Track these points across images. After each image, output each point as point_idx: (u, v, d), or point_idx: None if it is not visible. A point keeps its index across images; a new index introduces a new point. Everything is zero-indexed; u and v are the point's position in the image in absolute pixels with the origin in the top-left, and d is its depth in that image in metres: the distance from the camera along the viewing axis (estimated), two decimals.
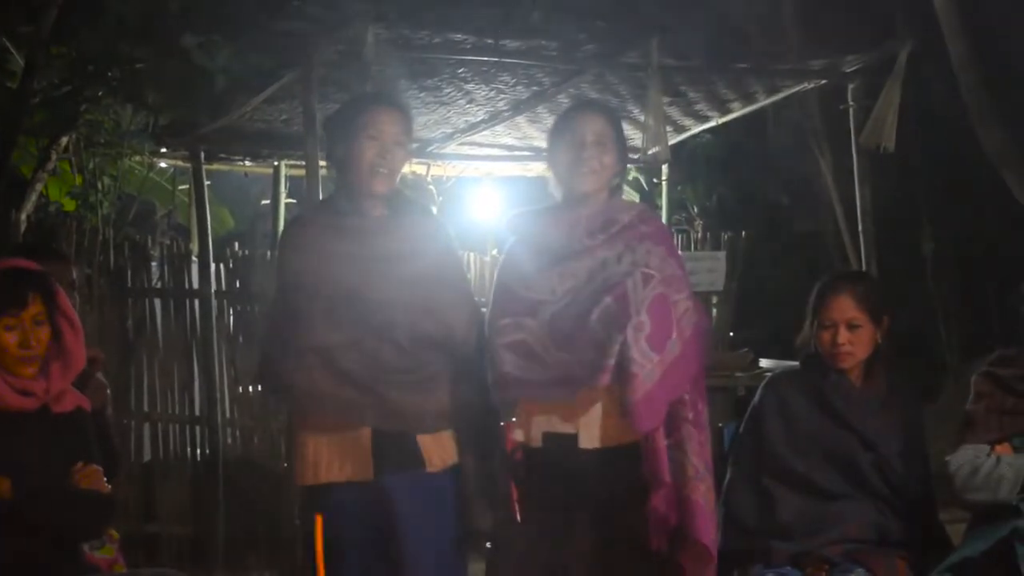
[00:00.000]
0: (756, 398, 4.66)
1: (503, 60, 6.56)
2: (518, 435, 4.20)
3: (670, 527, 4.09)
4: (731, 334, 9.26)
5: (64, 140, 7.92)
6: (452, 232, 4.45)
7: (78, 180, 8.38)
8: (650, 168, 9.86)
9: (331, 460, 4.12)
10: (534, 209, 4.45)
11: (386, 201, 4.27)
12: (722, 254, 8.68)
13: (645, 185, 10.71)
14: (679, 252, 4.42)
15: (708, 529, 4.09)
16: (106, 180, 8.46)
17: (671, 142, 7.97)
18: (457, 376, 4.18)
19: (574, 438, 4.13)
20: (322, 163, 6.28)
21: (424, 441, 4.14)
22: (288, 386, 4.16)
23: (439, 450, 4.17)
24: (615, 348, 3.99)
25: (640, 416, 3.99)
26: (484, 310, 4.32)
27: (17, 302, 3.97)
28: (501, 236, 4.63)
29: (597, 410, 4.11)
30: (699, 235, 9.67)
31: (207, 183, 8.66)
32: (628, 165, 4.50)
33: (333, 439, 4.12)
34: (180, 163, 9.28)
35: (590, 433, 4.12)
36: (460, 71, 6.91)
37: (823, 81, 7.37)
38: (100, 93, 7.70)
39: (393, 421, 4.08)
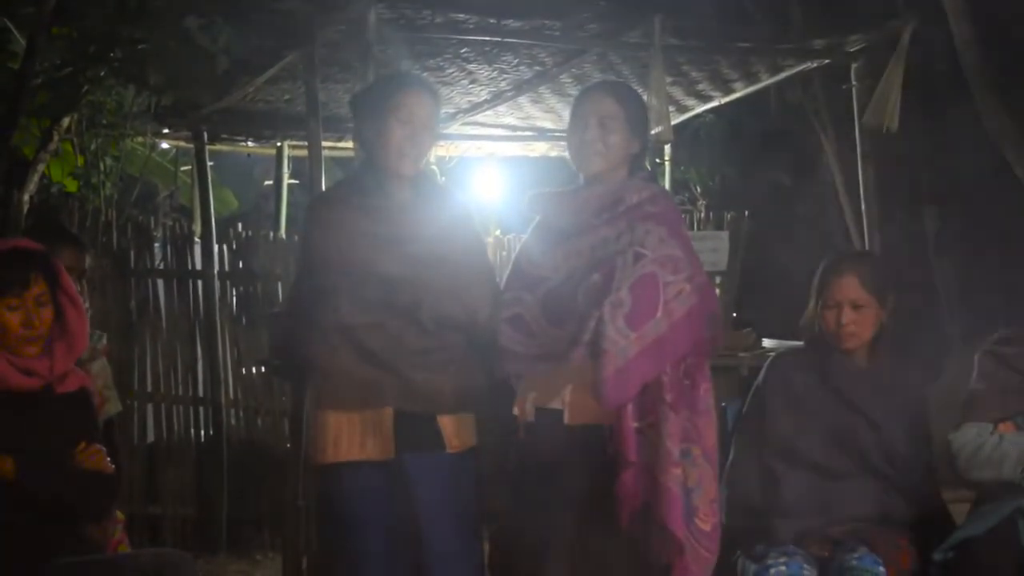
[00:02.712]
0: (760, 377, 4.67)
1: (505, 40, 6.55)
2: (516, 410, 4.20)
3: (639, 509, 4.04)
4: (734, 314, 9.25)
5: (66, 121, 7.92)
6: (475, 214, 4.47)
7: (80, 161, 8.38)
8: (652, 148, 9.84)
9: (351, 439, 4.13)
10: (553, 190, 4.47)
11: (411, 182, 4.27)
12: (725, 234, 8.64)
13: (648, 165, 10.69)
14: (686, 234, 4.36)
15: (677, 517, 3.99)
16: (108, 161, 8.47)
17: (674, 122, 7.96)
18: (478, 358, 4.20)
19: (561, 414, 4.12)
20: (326, 143, 6.30)
21: (445, 422, 4.16)
22: (311, 365, 4.16)
23: (459, 431, 4.19)
24: (592, 324, 4.00)
25: (608, 391, 3.97)
26: None
27: (20, 282, 3.97)
28: (510, 214, 4.64)
29: (581, 386, 4.08)
30: (702, 215, 9.66)
31: (210, 164, 8.66)
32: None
33: (354, 418, 4.13)
34: (182, 144, 9.28)
35: (573, 409, 4.12)
36: (462, 51, 6.90)
37: (826, 60, 7.33)
38: (102, 74, 7.69)
39: (415, 402, 4.10)
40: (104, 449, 4.10)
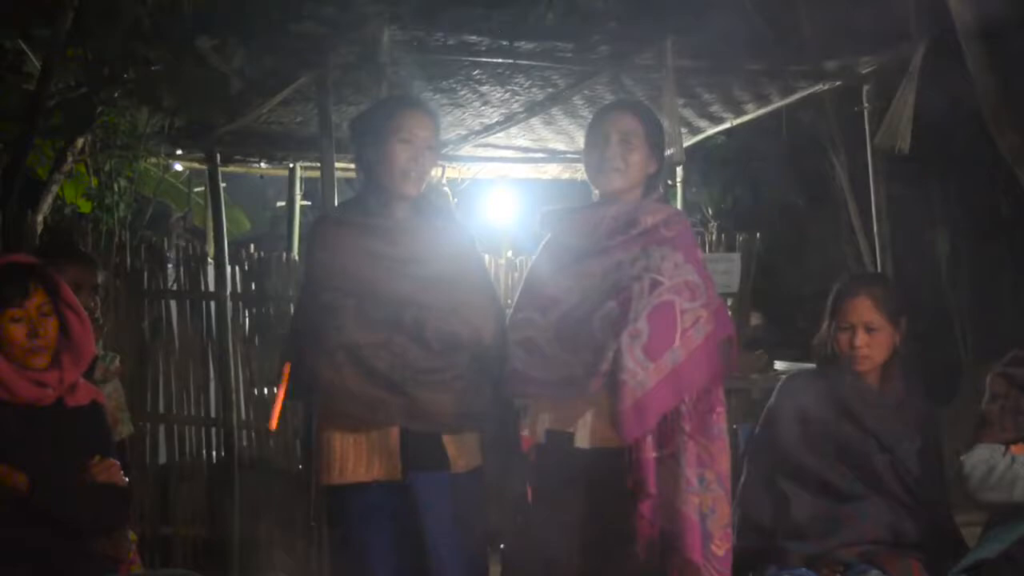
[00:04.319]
0: (772, 399, 4.66)
1: (518, 62, 6.57)
2: (527, 432, 4.20)
3: (656, 538, 4.02)
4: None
5: (80, 142, 7.94)
6: (476, 235, 4.48)
7: (94, 182, 8.40)
8: (664, 170, 9.85)
9: (358, 459, 4.13)
10: (567, 207, 4.45)
11: (414, 203, 4.29)
12: (737, 256, 8.66)
13: (661, 187, 10.70)
14: (701, 257, 4.34)
15: (696, 544, 3.99)
16: (122, 182, 8.48)
17: (686, 144, 7.97)
18: (483, 377, 4.19)
19: (571, 437, 4.12)
20: (339, 165, 6.31)
21: (449, 442, 4.15)
22: (316, 384, 4.17)
23: (464, 451, 4.18)
24: (610, 355, 3.96)
25: (627, 424, 3.94)
26: (509, 312, 4.33)
27: (20, 293, 4.00)
28: (520, 235, 4.64)
29: (593, 410, 4.07)
30: (714, 237, 9.65)
31: (223, 185, 8.67)
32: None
33: (360, 438, 4.13)
34: (196, 165, 9.30)
35: (584, 433, 4.10)
36: (475, 73, 6.92)
37: (838, 82, 7.36)
38: (116, 95, 7.73)
39: (421, 421, 4.09)
40: (118, 462, 4.11)
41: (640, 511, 4.00)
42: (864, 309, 4.48)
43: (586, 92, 7.40)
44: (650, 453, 4.00)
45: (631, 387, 3.94)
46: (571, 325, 4.10)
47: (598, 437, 4.08)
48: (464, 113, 8.01)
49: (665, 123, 6.39)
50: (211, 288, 8.08)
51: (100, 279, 5.54)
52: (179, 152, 8.86)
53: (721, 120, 8.52)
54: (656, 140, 4.30)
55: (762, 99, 7.89)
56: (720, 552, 4.06)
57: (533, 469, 4.24)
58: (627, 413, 3.94)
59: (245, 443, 8.04)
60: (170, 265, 8.12)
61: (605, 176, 4.23)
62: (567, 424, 4.13)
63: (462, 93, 7.43)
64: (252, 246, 8.54)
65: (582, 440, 4.11)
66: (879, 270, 7.27)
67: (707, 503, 4.04)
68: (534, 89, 7.39)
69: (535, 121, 8.29)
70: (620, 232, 4.17)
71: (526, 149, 9.49)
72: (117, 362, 5.72)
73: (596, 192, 4.36)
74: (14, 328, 3.99)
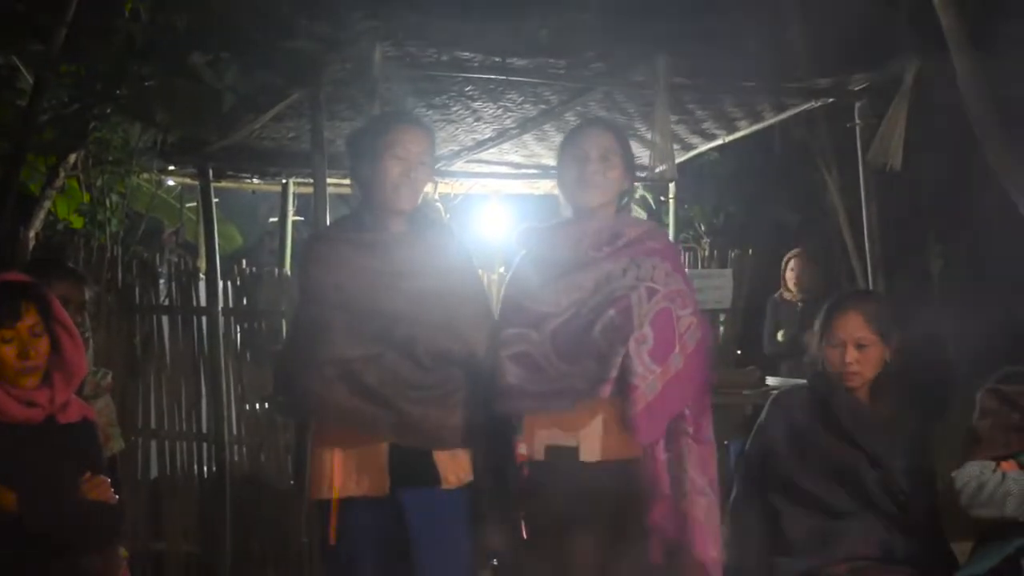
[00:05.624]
0: (763, 415, 4.67)
1: (510, 78, 6.57)
2: (523, 449, 4.20)
3: (669, 541, 4.06)
4: (738, 352, 9.25)
5: (72, 158, 7.93)
6: (472, 250, 4.49)
7: (86, 198, 8.40)
8: (657, 186, 9.87)
9: (347, 474, 4.13)
10: (544, 224, 4.46)
11: (408, 218, 4.29)
12: (729, 272, 8.67)
13: (652, 203, 10.72)
14: (686, 269, 4.39)
15: (706, 545, 4.04)
16: (114, 198, 8.48)
17: (678, 160, 7.96)
18: (475, 393, 4.18)
19: (575, 451, 4.12)
20: (332, 180, 6.31)
21: (440, 458, 4.15)
22: (306, 399, 4.16)
23: (455, 467, 4.17)
24: (618, 360, 3.99)
25: (641, 428, 3.98)
26: None
27: (11, 314, 3.98)
28: (511, 251, 4.63)
29: (598, 423, 4.10)
30: (706, 253, 9.67)
31: (215, 201, 8.66)
32: (636, 183, 4.49)
33: (350, 453, 4.13)
34: (188, 181, 9.29)
35: (590, 446, 4.11)
36: (467, 89, 6.92)
37: (830, 99, 7.35)
38: (109, 111, 7.71)
39: (411, 437, 4.09)
40: (108, 479, 4.10)
41: (653, 515, 4.04)
42: (855, 326, 4.49)
43: (579, 108, 7.40)
44: (661, 455, 4.06)
45: (643, 391, 3.98)
46: (568, 337, 4.12)
47: (607, 449, 4.10)
48: (457, 129, 8.01)
49: (657, 139, 6.42)
50: (203, 303, 8.07)
51: (88, 295, 5.52)
52: (171, 168, 8.84)
53: (714, 137, 8.53)
54: (629, 158, 4.36)
55: (755, 116, 7.90)
56: (715, 553, 4.10)
57: (527, 486, 4.23)
58: (640, 417, 3.98)
59: (236, 458, 8.03)
60: (162, 280, 8.11)
61: (585, 192, 4.26)
62: (569, 438, 4.13)
63: (455, 109, 7.43)
64: (244, 261, 8.54)
65: (589, 454, 4.12)
66: (871, 286, 7.27)
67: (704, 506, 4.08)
68: (527, 105, 7.40)
69: (528, 137, 8.29)
70: (607, 244, 4.21)
71: (519, 165, 9.49)
72: (109, 378, 5.70)
73: (567, 210, 4.37)
74: (4, 349, 3.97)
